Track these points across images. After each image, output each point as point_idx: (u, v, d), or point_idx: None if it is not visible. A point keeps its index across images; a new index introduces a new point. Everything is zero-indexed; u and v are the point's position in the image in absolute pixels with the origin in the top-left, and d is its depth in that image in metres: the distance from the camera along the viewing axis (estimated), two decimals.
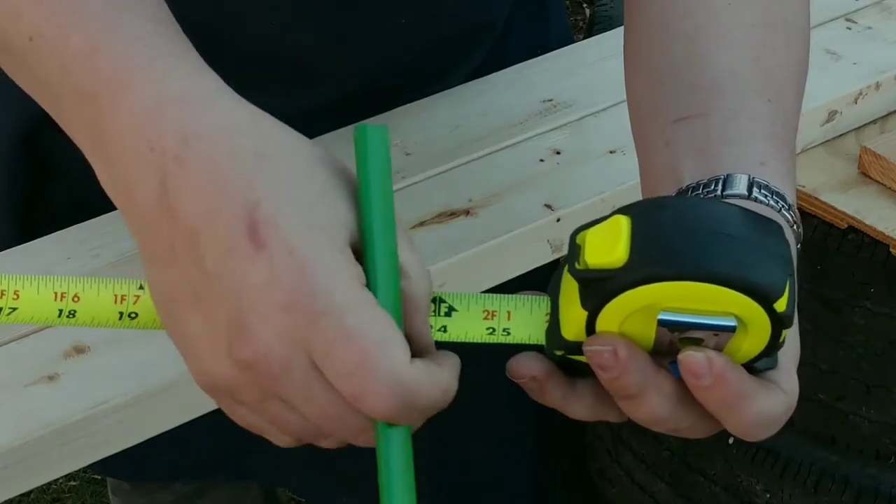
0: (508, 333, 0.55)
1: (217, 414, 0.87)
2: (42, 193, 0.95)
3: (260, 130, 0.52)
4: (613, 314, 0.50)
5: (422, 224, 0.85)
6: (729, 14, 0.63)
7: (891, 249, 0.99)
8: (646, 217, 0.51)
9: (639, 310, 0.50)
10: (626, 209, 0.51)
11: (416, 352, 0.51)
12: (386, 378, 0.48)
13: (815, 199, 1.00)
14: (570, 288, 0.52)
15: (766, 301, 0.49)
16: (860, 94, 1.01)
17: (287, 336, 0.48)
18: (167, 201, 0.50)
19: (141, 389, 0.74)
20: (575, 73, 1.00)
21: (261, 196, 0.49)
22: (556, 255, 0.89)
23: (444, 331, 0.55)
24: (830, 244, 1.04)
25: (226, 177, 0.50)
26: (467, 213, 0.86)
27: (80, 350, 0.75)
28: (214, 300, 0.50)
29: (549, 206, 0.87)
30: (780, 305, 0.49)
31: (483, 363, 1.07)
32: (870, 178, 1.01)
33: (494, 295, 0.55)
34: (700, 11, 0.64)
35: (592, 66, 1.01)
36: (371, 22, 0.88)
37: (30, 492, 1.44)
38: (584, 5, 2.76)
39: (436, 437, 1.12)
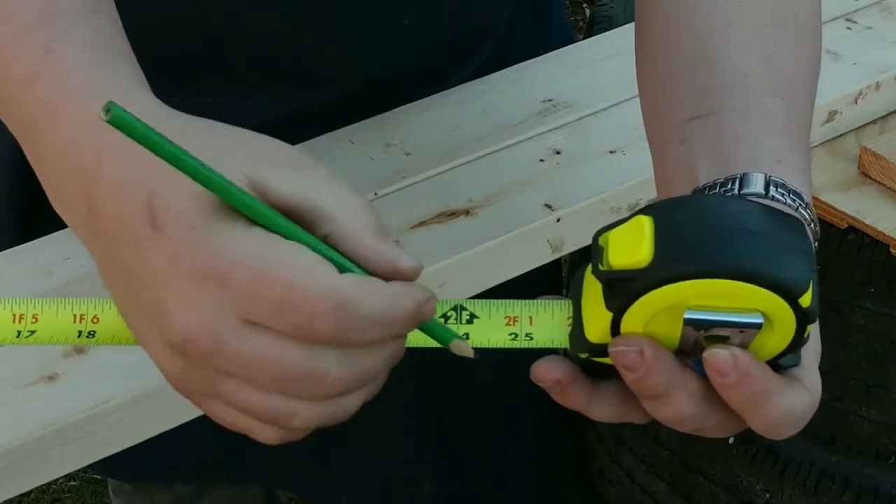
0: (531, 338, 0.55)
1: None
2: (43, 194, 0.95)
3: (164, 125, 0.52)
4: (638, 314, 0.50)
5: (422, 224, 0.85)
6: (740, 13, 0.63)
7: (891, 249, 0.99)
8: (668, 216, 0.51)
9: (664, 309, 0.50)
10: (647, 209, 0.51)
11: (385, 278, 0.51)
12: (317, 296, 0.48)
13: (815, 199, 1.00)
14: (593, 290, 0.52)
15: (791, 296, 0.49)
16: (860, 94, 1.01)
17: (203, 305, 0.49)
18: (94, 218, 0.52)
19: (141, 389, 0.74)
20: (575, 73, 1.00)
21: (156, 185, 0.50)
22: (556, 255, 0.89)
23: (467, 338, 0.55)
24: (830, 244, 1.04)
25: (129, 179, 0.51)
26: (467, 213, 0.86)
27: (80, 350, 0.75)
28: (142, 296, 0.51)
29: (549, 206, 0.87)
30: (805, 300, 0.49)
31: (487, 364, 1.07)
32: (870, 178, 1.01)
33: (516, 301, 0.55)
34: (711, 11, 0.64)
35: (592, 66, 1.01)
36: (372, 23, 0.88)
37: (30, 492, 1.45)
38: (584, 5, 2.76)
39: (439, 436, 1.12)
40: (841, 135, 1.03)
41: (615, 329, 0.51)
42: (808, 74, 0.64)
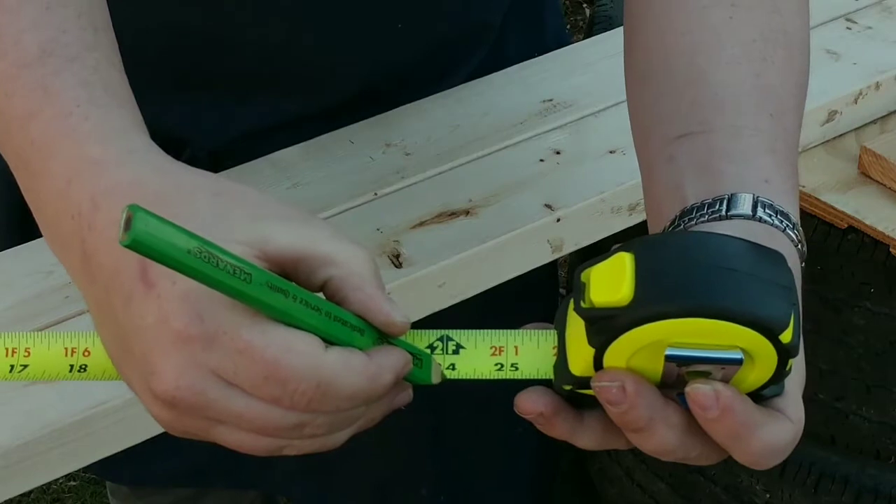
0: (517, 369, 0.55)
1: None
2: None
3: (163, 177, 0.53)
4: (620, 350, 0.51)
5: (422, 224, 0.85)
6: (729, 30, 0.63)
7: (891, 249, 0.99)
8: (648, 254, 0.51)
9: (646, 346, 0.50)
10: (628, 245, 0.51)
11: (379, 331, 0.53)
12: (299, 375, 0.50)
13: (815, 199, 1.01)
14: (576, 324, 0.53)
15: (771, 334, 0.50)
16: (860, 94, 1.01)
17: (188, 365, 0.50)
18: (88, 264, 0.52)
19: None
20: (575, 73, 1.00)
21: None
22: (556, 255, 0.89)
23: (453, 368, 0.55)
24: (830, 244, 1.04)
25: None
26: (467, 213, 0.86)
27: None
28: (132, 348, 0.51)
29: (549, 206, 0.87)
30: (786, 337, 0.50)
31: None
32: (870, 178, 1.01)
33: (501, 331, 0.55)
34: (699, 27, 0.63)
35: (592, 66, 1.01)
36: (366, 28, 0.88)
37: (30, 492, 1.45)
38: (584, 5, 2.76)
39: (437, 438, 1.12)
40: (841, 135, 1.03)
41: (598, 363, 0.52)
42: (797, 90, 0.64)
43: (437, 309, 0.85)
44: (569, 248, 0.89)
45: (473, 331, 0.55)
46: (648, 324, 0.49)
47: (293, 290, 0.50)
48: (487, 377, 0.55)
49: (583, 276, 0.52)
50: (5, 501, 0.74)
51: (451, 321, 0.88)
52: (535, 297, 1.09)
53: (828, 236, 1.03)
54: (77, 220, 0.53)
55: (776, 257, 0.52)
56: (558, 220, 0.86)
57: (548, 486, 1.30)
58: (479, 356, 0.55)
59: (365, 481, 1.13)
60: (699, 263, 0.50)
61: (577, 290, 0.52)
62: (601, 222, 0.89)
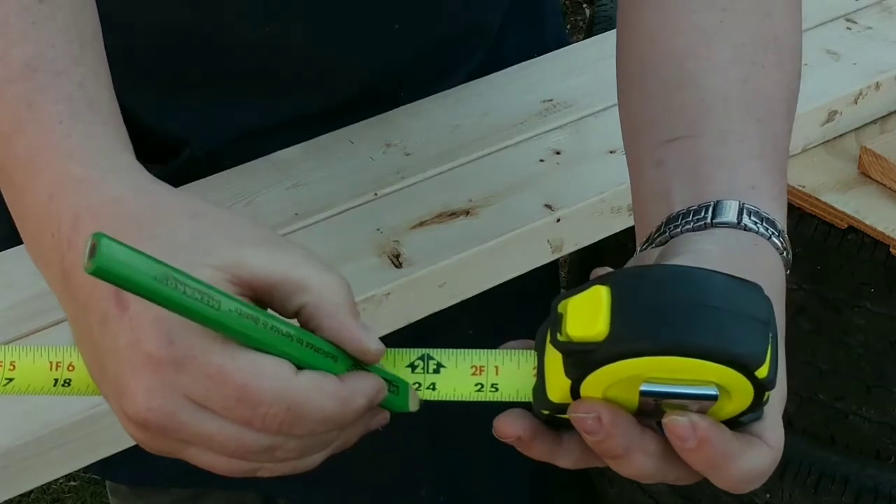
0: (497, 389, 0.55)
1: None
2: None
3: (143, 197, 0.53)
4: (596, 382, 0.51)
5: (422, 224, 0.85)
6: (719, 34, 0.63)
7: (891, 249, 0.99)
8: (626, 287, 0.51)
9: (621, 380, 0.51)
10: (605, 278, 0.52)
11: (353, 357, 0.53)
12: (270, 398, 0.50)
13: (815, 199, 1.01)
14: (554, 353, 0.53)
15: (746, 370, 0.50)
16: (860, 94, 1.01)
17: (159, 388, 0.50)
18: (66, 281, 0.53)
19: None
20: (575, 73, 1.00)
21: None
22: (556, 256, 0.89)
23: (434, 388, 0.55)
24: (830, 244, 1.04)
25: None
26: (467, 213, 0.86)
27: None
28: (107, 368, 0.51)
29: (549, 206, 0.87)
30: (762, 373, 0.50)
31: None
32: (870, 178, 1.01)
33: (482, 350, 0.55)
34: (689, 31, 0.63)
35: (592, 66, 1.01)
36: (363, 29, 0.88)
37: (30, 492, 1.44)
38: (584, 5, 2.76)
39: (435, 440, 1.12)
40: (841, 135, 1.03)
41: (575, 393, 0.52)
42: (787, 95, 0.64)
43: (437, 309, 0.85)
44: (569, 248, 0.89)
45: (455, 350, 0.55)
46: (624, 360, 0.50)
47: (263, 317, 0.50)
48: (467, 398, 0.55)
49: (560, 308, 0.52)
50: (5, 501, 0.74)
51: (452, 321, 0.89)
52: (535, 297, 1.09)
53: (828, 236, 1.03)
54: (57, 238, 0.53)
55: (754, 290, 0.52)
56: (558, 220, 0.86)
57: (547, 487, 1.30)
58: (459, 375, 0.55)
59: (364, 484, 1.13)
60: (675, 299, 0.50)
61: (554, 321, 0.52)
62: (601, 222, 0.89)
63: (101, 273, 0.46)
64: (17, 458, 0.71)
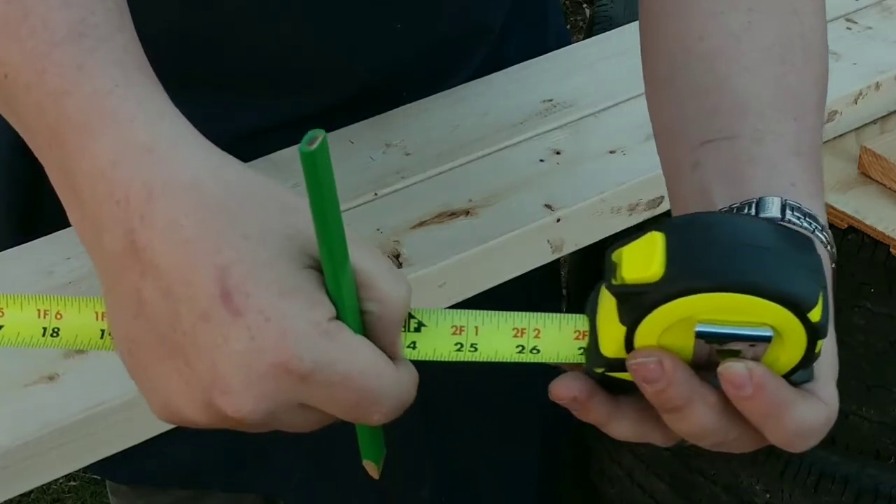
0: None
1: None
2: (41, 194, 0.95)
3: (222, 180, 0.52)
4: (651, 328, 0.51)
5: (422, 224, 0.85)
6: (748, 34, 0.63)
7: (891, 249, 0.99)
8: (679, 232, 0.52)
9: (676, 323, 0.51)
10: (659, 226, 0.52)
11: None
12: (388, 402, 0.52)
13: None
14: (607, 305, 0.53)
15: (799, 310, 0.50)
16: (860, 94, 1.01)
17: (273, 395, 0.50)
18: (136, 254, 0.51)
19: None
20: (575, 73, 1.00)
21: (230, 261, 0.50)
22: (557, 255, 0.89)
23: (414, 347, 0.55)
24: None
25: (191, 236, 0.50)
26: (467, 213, 0.86)
27: (80, 350, 0.75)
28: (190, 357, 0.51)
29: (549, 206, 0.87)
30: (815, 315, 0.50)
31: (485, 368, 1.07)
32: (870, 178, 1.01)
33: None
34: (717, 32, 0.64)
35: (592, 66, 1.01)
36: (365, 29, 0.88)
37: (30, 492, 1.44)
38: (584, 5, 2.76)
39: (437, 440, 1.12)
40: (841, 135, 1.03)
41: (629, 343, 0.52)
42: (818, 92, 0.64)
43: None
44: (569, 248, 0.89)
45: (436, 309, 0.56)
46: (679, 299, 0.50)
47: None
48: (447, 359, 0.55)
49: (613, 256, 0.52)
50: (5, 501, 0.74)
51: None
52: (535, 297, 1.09)
53: None
54: (124, 206, 0.51)
55: (805, 241, 0.53)
56: (558, 220, 0.86)
57: (548, 486, 1.30)
58: (439, 334, 0.55)
59: (365, 483, 1.12)
60: (730, 241, 0.51)
61: (609, 269, 0.52)
62: (601, 222, 0.89)
63: (313, 159, 0.47)
64: (17, 458, 0.71)
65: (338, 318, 0.51)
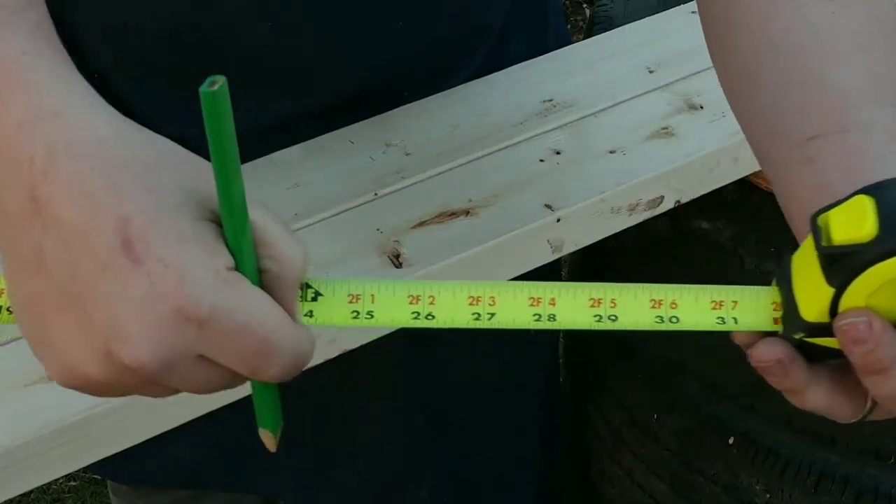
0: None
1: (215, 427, 0.87)
2: None
3: (126, 139, 0.54)
4: (860, 290, 0.52)
5: (422, 224, 0.85)
6: (833, 26, 0.64)
7: None
8: (889, 194, 0.52)
9: (884, 284, 0.52)
10: (864, 189, 0.53)
11: None
12: (287, 353, 0.52)
13: None
14: (809, 270, 0.54)
15: None
16: None
17: (172, 343, 0.51)
18: (37, 211, 0.52)
19: None
20: (575, 73, 1.00)
21: (131, 211, 0.51)
22: (557, 255, 0.89)
23: (311, 315, 0.56)
24: None
25: (95, 188, 0.51)
26: (467, 213, 0.86)
27: None
28: (89, 307, 0.51)
29: (549, 206, 0.87)
30: None
31: (484, 367, 1.07)
32: None
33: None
34: (802, 25, 0.64)
35: (592, 66, 1.01)
36: (365, 28, 0.88)
37: (30, 492, 1.45)
38: (584, 5, 2.76)
39: (437, 441, 1.12)
40: None
41: (834, 307, 0.53)
42: None
43: None
44: (569, 248, 0.89)
45: (333, 280, 0.57)
46: (894, 258, 0.51)
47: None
48: (343, 324, 0.56)
49: (819, 221, 0.53)
50: (5, 501, 0.74)
51: None
52: None
53: None
54: (27, 167, 0.53)
55: None
56: (558, 220, 0.86)
57: (548, 486, 1.30)
58: (336, 303, 0.56)
59: (365, 484, 1.13)
60: None
61: (816, 232, 0.53)
62: (601, 222, 0.89)
63: (214, 99, 0.49)
64: (17, 458, 0.71)
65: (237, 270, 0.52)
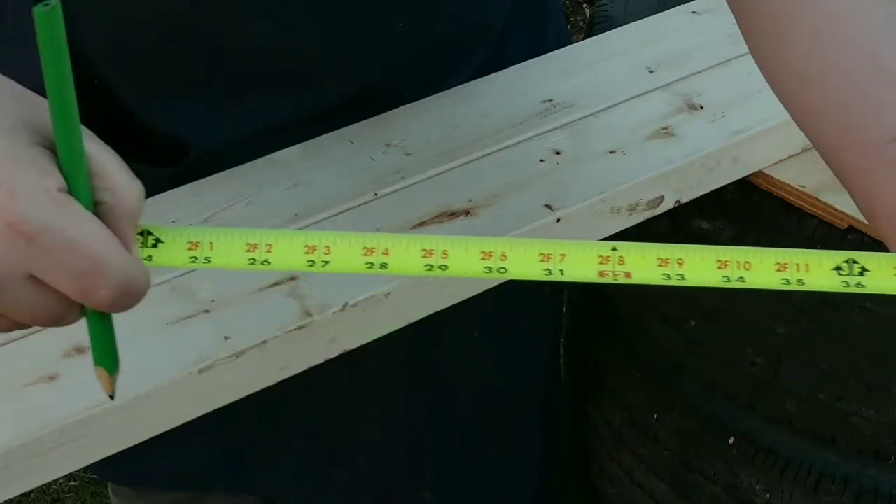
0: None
1: (214, 427, 0.87)
2: None
3: None
4: None
5: (422, 224, 0.85)
6: (894, 25, 0.64)
7: (890, 250, 0.98)
8: None
9: None
10: None
11: None
12: (116, 276, 0.53)
13: (815, 199, 1.00)
14: None
15: None
16: None
17: (2, 257, 0.52)
18: None
19: (140, 390, 0.73)
20: (575, 73, 1.00)
21: None
22: None
23: (150, 259, 0.56)
24: (831, 244, 1.04)
25: None
26: (467, 213, 0.86)
27: (80, 350, 0.75)
28: None
29: (549, 206, 0.87)
30: None
31: (484, 368, 1.07)
32: None
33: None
34: (865, 29, 0.64)
35: (592, 66, 1.01)
36: (366, 28, 0.88)
37: (30, 492, 1.44)
38: (584, 5, 2.76)
39: (438, 442, 1.12)
40: None
41: None
42: None
43: (437, 309, 0.85)
44: None
45: (173, 227, 0.57)
46: None
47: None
48: (182, 266, 0.57)
49: None
50: (5, 501, 0.74)
51: (451, 321, 0.89)
52: (536, 297, 1.09)
53: (828, 236, 1.03)
54: None
55: None
56: (558, 220, 0.86)
57: (548, 486, 1.30)
58: (176, 250, 0.56)
59: (366, 485, 1.13)
60: None
61: None
62: (601, 222, 0.89)
63: (48, 19, 0.49)
64: (17, 458, 0.71)
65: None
